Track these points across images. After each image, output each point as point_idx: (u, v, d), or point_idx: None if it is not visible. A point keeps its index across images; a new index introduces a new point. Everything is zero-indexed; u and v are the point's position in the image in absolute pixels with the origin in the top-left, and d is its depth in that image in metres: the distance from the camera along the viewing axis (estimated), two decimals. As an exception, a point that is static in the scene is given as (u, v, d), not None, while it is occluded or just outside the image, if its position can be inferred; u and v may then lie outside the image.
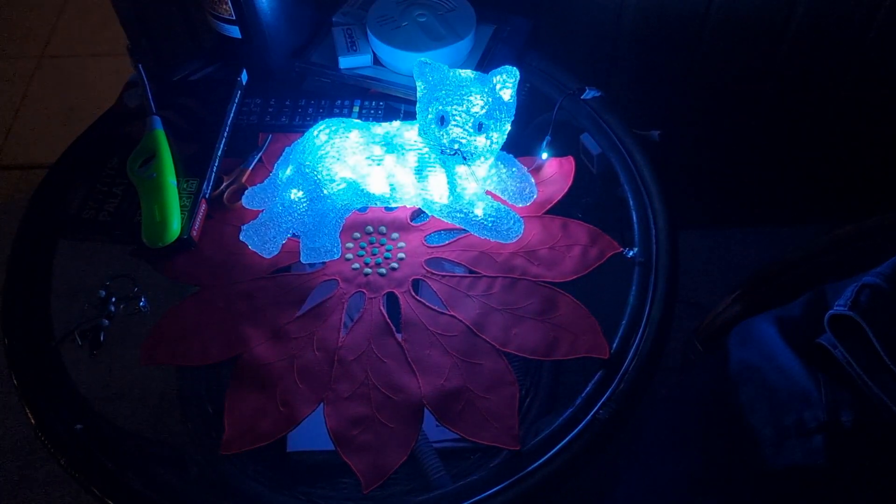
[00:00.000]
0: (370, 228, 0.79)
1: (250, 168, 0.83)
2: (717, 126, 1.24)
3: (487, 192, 0.79)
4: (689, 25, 1.06)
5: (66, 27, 2.05)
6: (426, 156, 0.74)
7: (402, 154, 0.75)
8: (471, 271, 0.76)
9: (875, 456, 0.63)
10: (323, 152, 0.75)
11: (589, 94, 0.87)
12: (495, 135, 0.72)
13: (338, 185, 0.76)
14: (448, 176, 0.74)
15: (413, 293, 0.74)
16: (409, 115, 0.87)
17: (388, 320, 0.72)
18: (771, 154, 1.30)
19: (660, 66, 1.12)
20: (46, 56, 1.97)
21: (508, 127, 0.74)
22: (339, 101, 0.89)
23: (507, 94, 0.72)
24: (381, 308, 0.73)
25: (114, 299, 0.74)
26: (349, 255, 0.77)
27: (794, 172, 1.34)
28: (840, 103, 1.18)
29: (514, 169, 0.80)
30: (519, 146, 0.82)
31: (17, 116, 1.82)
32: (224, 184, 0.81)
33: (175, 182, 0.78)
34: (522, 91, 0.90)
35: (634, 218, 0.78)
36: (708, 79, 1.14)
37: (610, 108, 0.87)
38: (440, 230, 0.79)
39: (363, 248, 0.78)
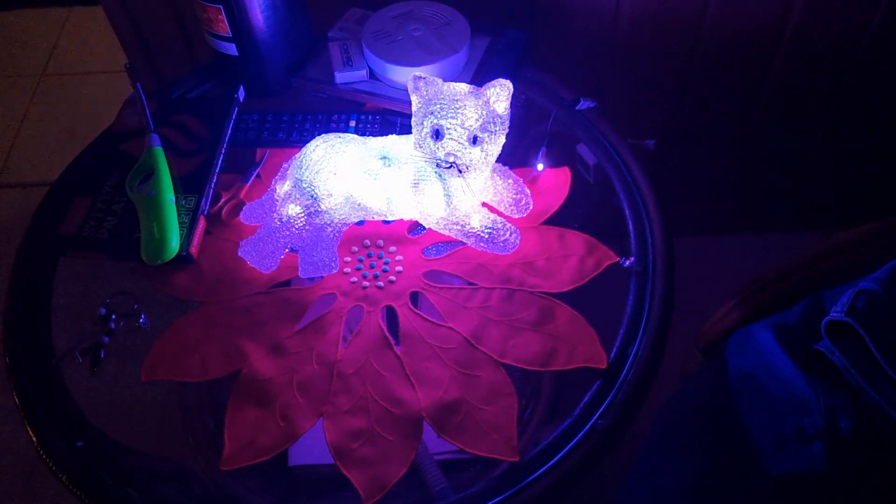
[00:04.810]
0: (368, 242, 0.80)
1: (248, 184, 0.84)
2: (713, 134, 1.24)
3: (484, 205, 0.79)
4: (683, 35, 1.07)
5: (66, 46, 2.06)
6: (422, 169, 0.75)
7: (399, 168, 0.76)
8: (468, 283, 0.76)
9: (875, 462, 0.63)
10: (320, 167, 0.76)
11: (584, 104, 0.88)
12: (490, 147, 0.73)
13: (335, 199, 0.76)
14: (444, 189, 0.75)
15: (411, 306, 0.75)
16: (406, 129, 0.87)
17: (387, 333, 0.73)
18: (767, 161, 1.30)
19: (654, 75, 1.13)
20: (47, 75, 1.99)
21: (503, 139, 0.74)
22: (336, 116, 0.89)
23: (502, 107, 0.73)
24: (380, 321, 0.74)
25: (114, 316, 0.75)
26: (347, 269, 0.77)
27: (790, 179, 1.34)
28: (835, 109, 1.18)
29: (509, 180, 0.81)
30: (515, 158, 0.83)
31: (18, 135, 1.83)
32: (222, 200, 0.82)
33: (173, 199, 0.78)
34: (518, 103, 0.91)
35: (630, 227, 0.78)
36: (703, 87, 1.15)
37: (605, 119, 0.87)
38: (437, 243, 0.79)
39: (361, 261, 0.78)
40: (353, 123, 0.89)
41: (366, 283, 0.76)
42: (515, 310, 0.73)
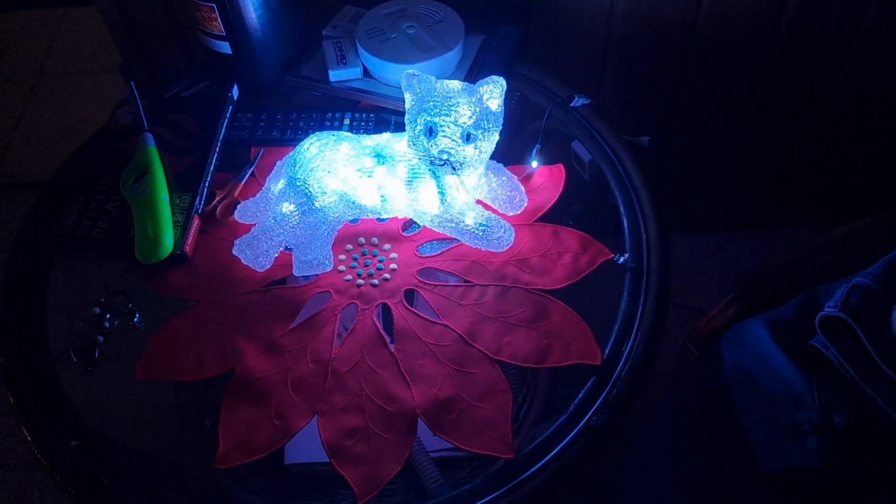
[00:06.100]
0: (362, 240, 0.80)
1: (242, 182, 0.84)
2: (707, 131, 1.24)
3: (478, 202, 0.79)
4: (677, 32, 1.07)
5: (61, 46, 2.06)
6: (416, 167, 0.75)
7: (393, 165, 0.76)
8: (463, 280, 0.76)
9: (869, 456, 0.63)
10: (314, 165, 0.76)
11: (578, 101, 0.88)
12: (484, 144, 0.73)
13: (329, 197, 0.76)
14: (438, 186, 0.75)
15: (406, 303, 0.74)
16: (400, 127, 0.87)
17: (382, 331, 0.73)
18: (761, 157, 1.30)
19: (649, 72, 1.13)
20: (42, 75, 1.98)
21: (496, 136, 0.74)
22: (330, 114, 0.89)
23: (495, 104, 0.72)
24: (375, 319, 0.74)
25: (108, 315, 0.75)
26: (342, 267, 0.77)
27: (785, 175, 1.34)
28: (829, 107, 1.19)
29: (503, 178, 0.81)
30: (509, 155, 0.83)
31: (13, 135, 1.83)
32: (217, 198, 0.82)
33: (168, 198, 0.78)
34: (512, 100, 0.91)
35: (625, 224, 0.78)
36: (697, 84, 1.15)
37: (599, 116, 0.87)
38: (432, 240, 0.79)
39: (355, 259, 0.78)
40: (347, 121, 0.88)
41: (360, 281, 0.76)
42: (510, 307, 0.73)
